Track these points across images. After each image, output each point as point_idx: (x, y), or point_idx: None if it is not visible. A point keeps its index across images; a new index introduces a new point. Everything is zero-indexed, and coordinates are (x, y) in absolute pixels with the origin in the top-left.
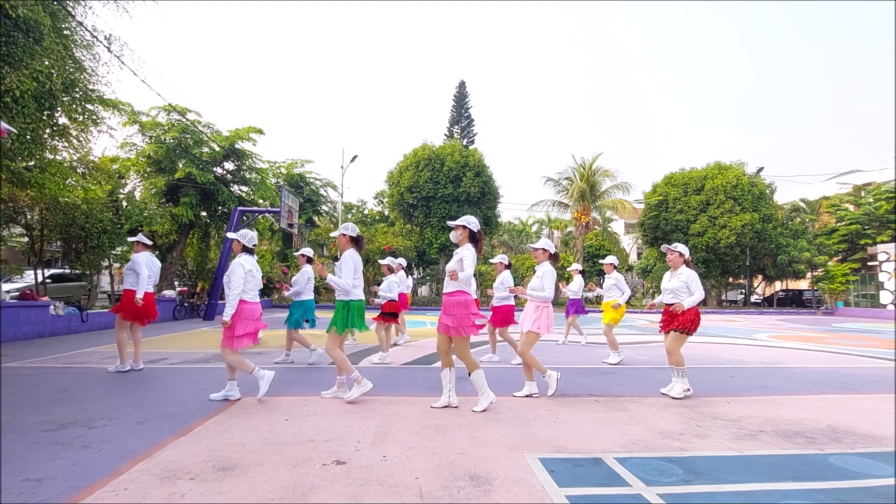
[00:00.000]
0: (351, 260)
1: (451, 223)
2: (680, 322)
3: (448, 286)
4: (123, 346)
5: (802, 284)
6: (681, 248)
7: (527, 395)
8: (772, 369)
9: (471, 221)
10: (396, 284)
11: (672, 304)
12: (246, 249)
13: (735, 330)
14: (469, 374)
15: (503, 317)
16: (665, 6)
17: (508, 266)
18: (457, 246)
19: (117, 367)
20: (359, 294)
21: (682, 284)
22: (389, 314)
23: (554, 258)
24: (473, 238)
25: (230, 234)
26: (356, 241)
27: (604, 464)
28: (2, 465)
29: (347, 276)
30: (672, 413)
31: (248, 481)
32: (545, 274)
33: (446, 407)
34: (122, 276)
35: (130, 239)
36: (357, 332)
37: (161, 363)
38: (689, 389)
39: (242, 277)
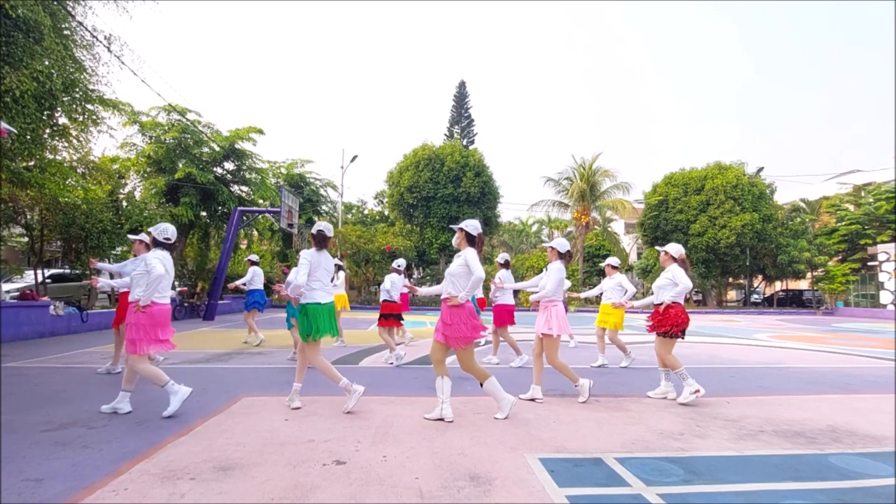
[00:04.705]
0: (305, 259)
1: (453, 227)
2: (663, 324)
3: (446, 292)
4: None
5: (802, 284)
6: (669, 248)
7: (530, 399)
8: (772, 369)
9: (468, 225)
10: (396, 286)
11: (659, 304)
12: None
13: (735, 330)
14: (481, 385)
15: (501, 316)
16: (665, 6)
17: (506, 265)
18: (458, 250)
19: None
20: (316, 297)
21: (668, 281)
22: (389, 316)
23: (564, 257)
24: (472, 241)
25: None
26: (315, 239)
27: (604, 464)
28: (2, 465)
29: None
30: (672, 413)
31: (248, 481)
32: (551, 271)
33: (439, 420)
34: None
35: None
36: (343, 334)
37: (161, 363)
38: (698, 390)
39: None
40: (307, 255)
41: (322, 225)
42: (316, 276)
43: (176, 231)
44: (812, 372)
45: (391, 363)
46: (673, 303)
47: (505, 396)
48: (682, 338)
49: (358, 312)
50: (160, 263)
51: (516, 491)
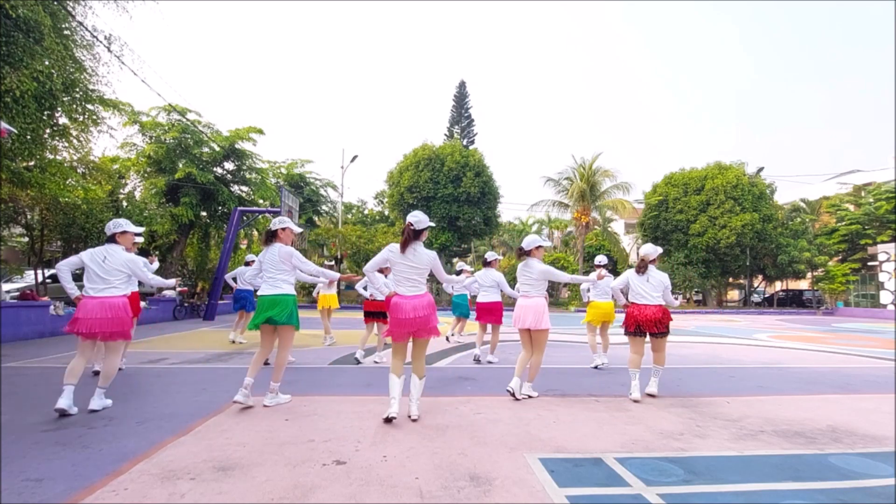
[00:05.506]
0: (256, 260)
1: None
2: None
3: None
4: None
5: (802, 284)
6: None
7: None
8: (772, 369)
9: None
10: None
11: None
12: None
13: (735, 330)
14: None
15: (479, 313)
16: (665, 6)
17: (485, 264)
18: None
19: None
20: (263, 289)
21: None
22: (371, 313)
23: (518, 252)
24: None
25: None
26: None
27: (604, 464)
28: (2, 465)
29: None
30: (672, 413)
31: (248, 481)
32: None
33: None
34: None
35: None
36: (332, 333)
37: (161, 363)
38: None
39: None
40: (259, 255)
41: (273, 221)
42: (264, 270)
43: (118, 223)
44: (812, 372)
45: (376, 362)
46: (629, 304)
47: (395, 397)
48: (629, 335)
49: (358, 312)
50: (70, 258)
51: (516, 491)
